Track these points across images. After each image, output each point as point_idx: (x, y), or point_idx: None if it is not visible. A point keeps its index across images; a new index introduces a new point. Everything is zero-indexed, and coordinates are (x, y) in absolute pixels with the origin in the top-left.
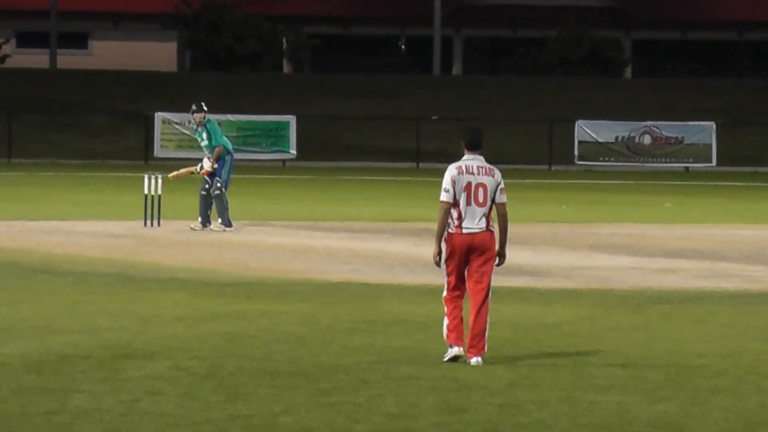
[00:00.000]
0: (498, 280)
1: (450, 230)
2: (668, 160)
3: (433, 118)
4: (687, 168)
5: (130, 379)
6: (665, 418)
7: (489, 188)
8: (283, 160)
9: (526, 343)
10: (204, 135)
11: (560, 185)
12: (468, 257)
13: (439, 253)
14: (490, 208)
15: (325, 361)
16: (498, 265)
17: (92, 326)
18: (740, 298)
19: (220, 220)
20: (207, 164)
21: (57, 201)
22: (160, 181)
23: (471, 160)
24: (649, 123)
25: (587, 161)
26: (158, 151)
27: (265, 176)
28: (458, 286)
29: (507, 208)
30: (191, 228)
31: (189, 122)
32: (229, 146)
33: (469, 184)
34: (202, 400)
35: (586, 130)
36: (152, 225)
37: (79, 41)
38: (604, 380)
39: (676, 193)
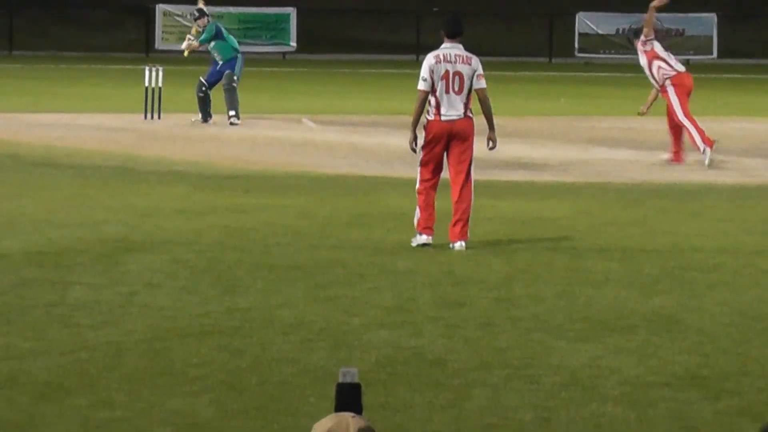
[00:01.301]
0: (495, 174)
1: (429, 117)
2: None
3: (434, 9)
4: (688, 60)
5: (128, 271)
6: (662, 312)
7: (466, 76)
8: (283, 53)
9: (523, 238)
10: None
11: (560, 78)
12: (448, 144)
13: (414, 139)
14: (468, 96)
15: (322, 254)
16: (490, 149)
17: (91, 219)
18: (738, 191)
19: (233, 112)
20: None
21: (57, 94)
22: (161, 73)
23: (449, 49)
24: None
25: (587, 53)
26: (159, 44)
27: (264, 69)
28: (432, 175)
29: (487, 93)
30: (192, 121)
31: (196, 29)
32: (236, 45)
33: (447, 72)
34: (199, 293)
35: (586, 22)
36: (152, 118)
37: None
38: (600, 275)
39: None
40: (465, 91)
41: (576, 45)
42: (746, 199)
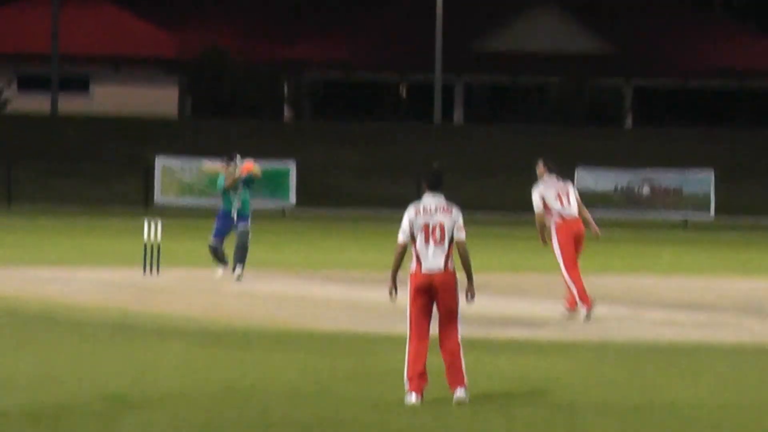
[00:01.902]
0: (494, 331)
1: (411, 271)
2: (667, 210)
3: (434, 164)
4: (686, 221)
5: (127, 429)
6: None
7: (447, 227)
8: (283, 209)
9: (522, 395)
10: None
11: None
12: (433, 298)
13: (393, 288)
14: (449, 247)
15: (322, 413)
16: (468, 302)
17: (90, 376)
18: (737, 350)
19: (241, 270)
20: (257, 168)
21: (56, 247)
22: (159, 227)
23: (430, 200)
24: (647, 172)
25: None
26: (158, 197)
27: (264, 224)
28: (420, 329)
29: (467, 246)
30: (218, 277)
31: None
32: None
33: (426, 224)
34: None
35: (585, 177)
36: (151, 273)
37: (80, 85)
38: None
39: (673, 244)
40: (446, 241)
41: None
42: (745, 357)
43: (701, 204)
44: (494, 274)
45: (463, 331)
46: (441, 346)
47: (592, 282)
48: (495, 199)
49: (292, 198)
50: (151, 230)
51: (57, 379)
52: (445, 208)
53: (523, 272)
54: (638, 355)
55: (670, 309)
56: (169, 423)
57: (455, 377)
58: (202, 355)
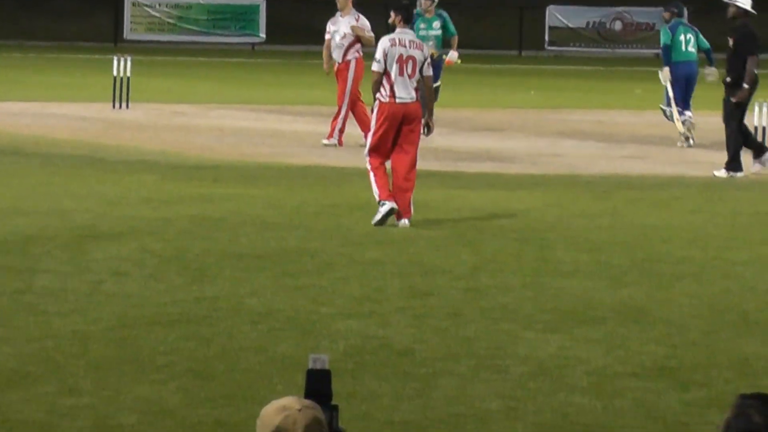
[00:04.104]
0: (464, 166)
1: (383, 100)
2: (639, 46)
3: (404, 2)
4: (657, 54)
5: (95, 260)
6: (630, 303)
7: (418, 61)
8: (252, 44)
9: (492, 229)
10: (435, 24)
11: (530, 71)
12: (399, 127)
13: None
14: (418, 80)
15: (290, 244)
16: (426, 134)
17: (58, 207)
18: (707, 184)
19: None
20: (454, 55)
21: (25, 83)
22: (129, 63)
23: (403, 34)
24: (620, 8)
25: (557, 47)
26: (128, 34)
27: (233, 60)
28: (383, 156)
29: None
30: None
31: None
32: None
33: (401, 56)
34: (167, 281)
35: (557, 15)
36: (121, 107)
37: None
38: (568, 266)
39: (646, 80)
40: (416, 75)
41: (546, 38)
42: (715, 191)
43: None
44: (466, 110)
45: (432, 165)
46: (396, 176)
47: (563, 119)
48: (463, 36)
49: (262, 34)
50: (121, 66)
51: (25, 211)
52: (417, 43)
53: (493, 108)
54: (608, 189)
55: (642, 144)
56: (137, 254)
57: (404, 209)
58: (171, 189)
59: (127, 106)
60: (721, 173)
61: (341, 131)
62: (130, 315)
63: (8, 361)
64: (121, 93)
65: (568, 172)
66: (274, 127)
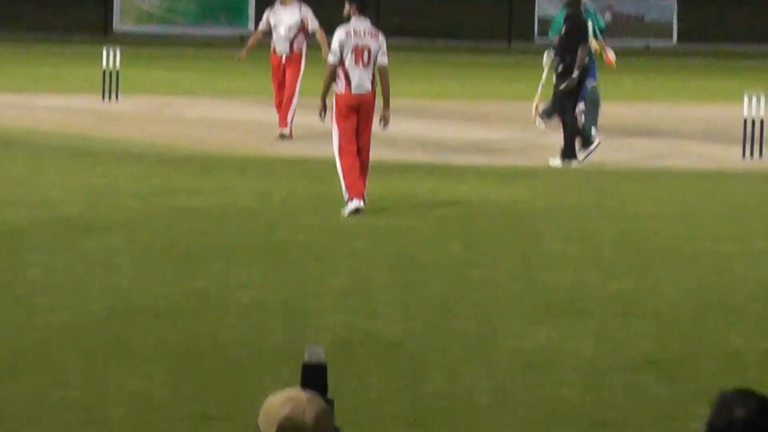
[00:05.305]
0: (453, 158)
1: (339, 91)
2: (629, 37)
3: None
4: (647, 46)
5: (85, 252)
6: (619, 295)
7: (373, 50)
8: (241, 36)
9: (481, 221)
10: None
11: (519, 62)
12: (356, 117)
13: (323, 109)
14: (373, 71)
15: (279, 236)
16: (383, 127)
17: (47, 199)
18: (698, 176)
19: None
20: (612, 54)
21: (13, 74)
22: (118, 55)
23: (359, 23)
24: (610, 0)
25: (547, 38)
26: (117, 25)
27: (222, 51)
28: (351, 143)
29: (388, 71)
30: None
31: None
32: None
33: (356, 46)
34: (156, 274)
35: (546, 6)
36: (110, 99)
37: None
38: (558, 258)
39: (635, 71)
40: (371, 65)
41: (535, 29)
42: (706, 184)
43: (663, 31)
44: (456, 101)
45: (420, 157)
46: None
47: None
48: (452, 27)
49: (251, 25)
50: (110, 57)
51: (13, 203)
52: (373, 32)
53: (482, 100)
54: (598, 180)
55: (631, 136)
56: (126, 246)
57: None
58: (160, 181)
59: (117, 98)
60: (556, 161)
61: (292, 121)
62: (118, 307)
63: None
64: (110, 84)
65: (557, 164)
66: (262, 118)
